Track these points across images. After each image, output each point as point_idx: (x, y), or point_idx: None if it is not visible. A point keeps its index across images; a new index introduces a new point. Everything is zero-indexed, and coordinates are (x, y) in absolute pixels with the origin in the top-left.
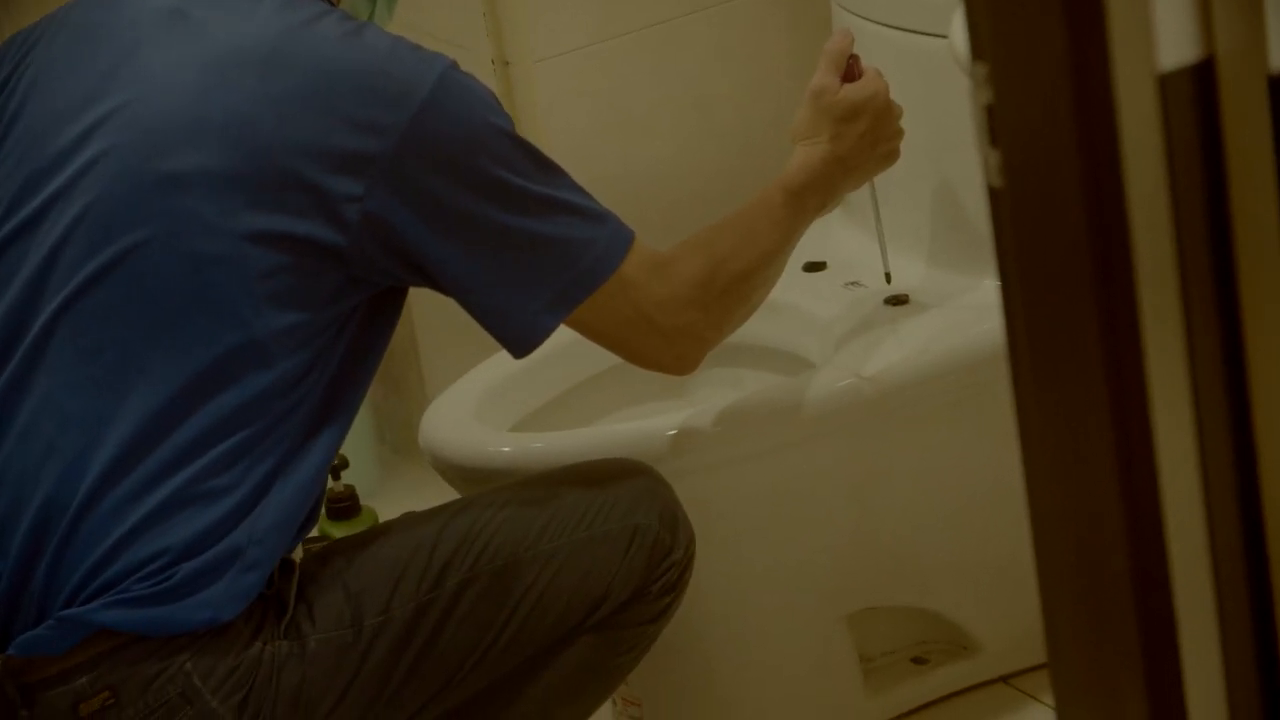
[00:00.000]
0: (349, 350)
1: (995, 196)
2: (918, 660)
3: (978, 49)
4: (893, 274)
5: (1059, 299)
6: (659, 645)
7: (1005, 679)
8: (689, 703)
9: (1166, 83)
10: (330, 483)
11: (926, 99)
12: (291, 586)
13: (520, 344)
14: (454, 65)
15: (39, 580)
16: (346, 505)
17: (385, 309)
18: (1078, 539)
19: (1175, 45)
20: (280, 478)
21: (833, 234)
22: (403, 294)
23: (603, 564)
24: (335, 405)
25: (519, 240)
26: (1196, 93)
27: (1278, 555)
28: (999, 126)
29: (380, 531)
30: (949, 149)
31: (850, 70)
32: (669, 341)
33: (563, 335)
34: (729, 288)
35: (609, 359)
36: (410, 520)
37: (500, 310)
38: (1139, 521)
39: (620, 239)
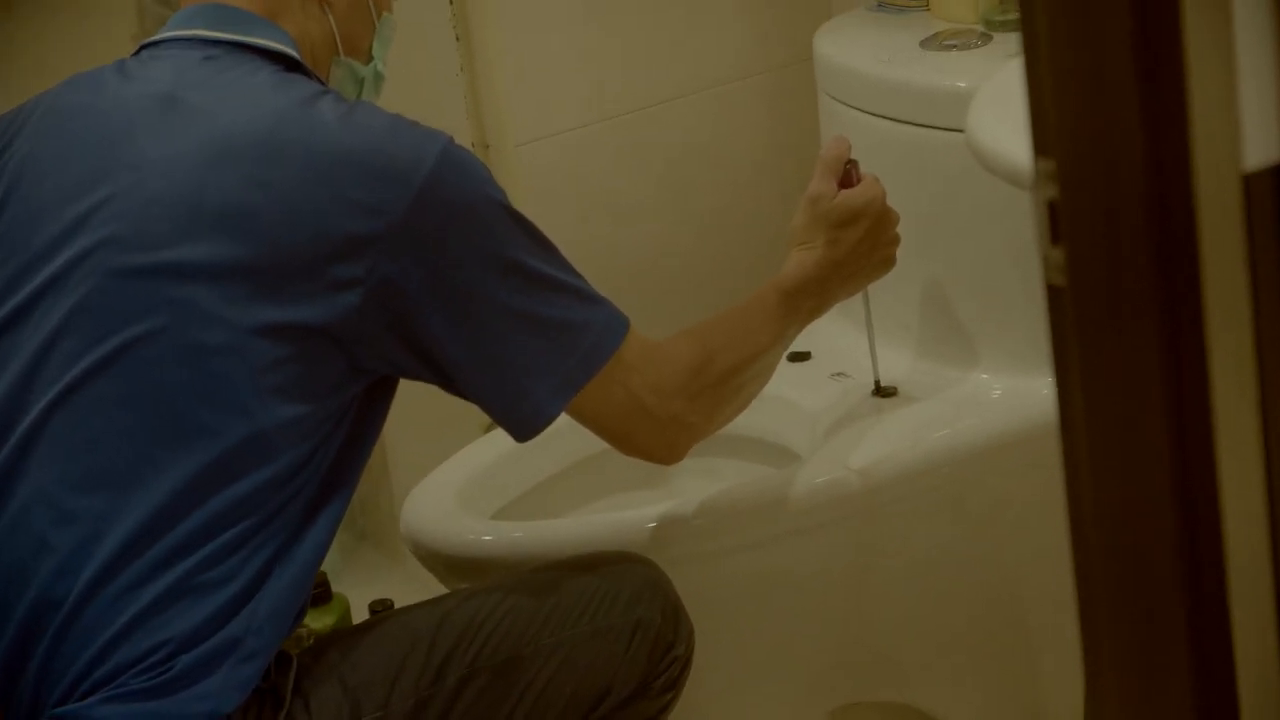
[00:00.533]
0: (346, 439)
1: (1055, 295)
2: None
3: (1042, 145)
4: (881, 363)
5: (1127, 406)
6: None
7: None
8: None
9: (1250, 182)
10: None
11: (914, 189)
12: (288, 680)
13: (524, 429)
14: (452, 140)
15: (30, 678)
16: (319, 591)
17: (381, 395)
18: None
19: (1260, 144)
20: (278, 566)
21: (818, 325)
22: (396, 379)
23: (605, 659)
24: (331, 493)
25: (522, 320)
26: None
27: None
28: (1063, 224)
29: (377, 624)
30: (937, 240)
31: (848, 176)
32: (660, 429)
33: None
34: (722, 379)
35: (589, 448)
36: (408, 613)
37: (504, 394)
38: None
39: (617, 322)
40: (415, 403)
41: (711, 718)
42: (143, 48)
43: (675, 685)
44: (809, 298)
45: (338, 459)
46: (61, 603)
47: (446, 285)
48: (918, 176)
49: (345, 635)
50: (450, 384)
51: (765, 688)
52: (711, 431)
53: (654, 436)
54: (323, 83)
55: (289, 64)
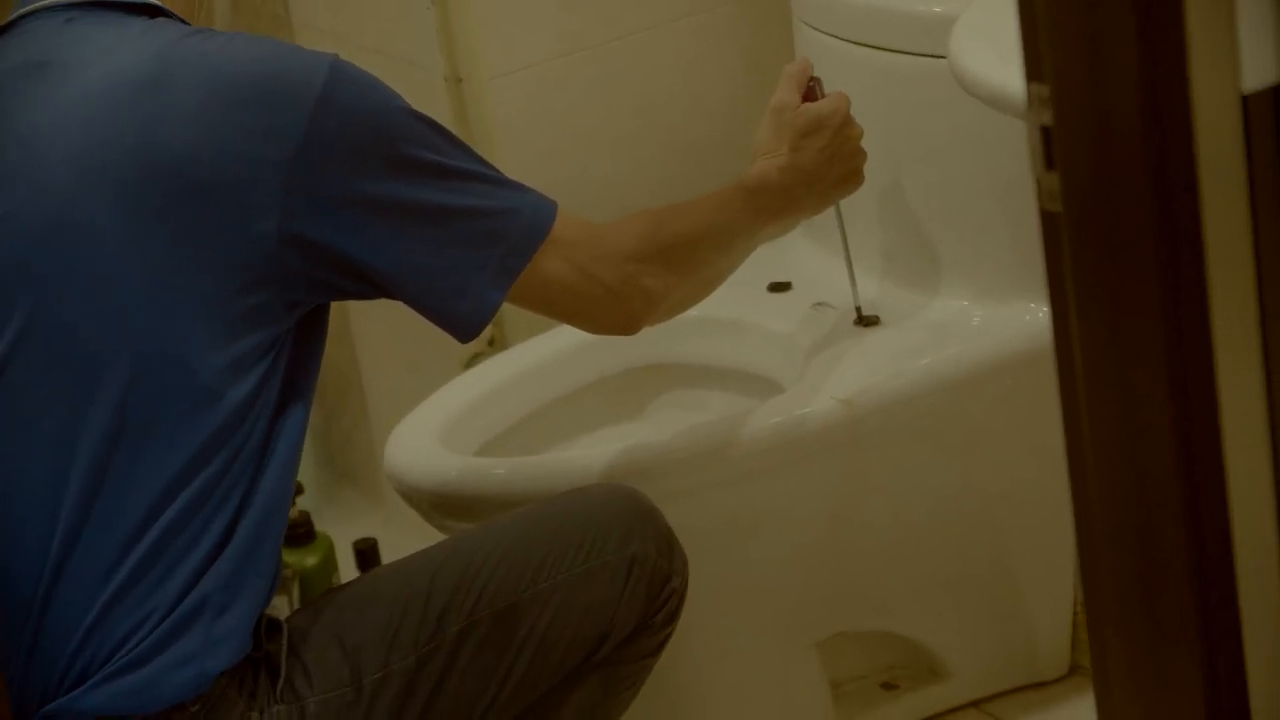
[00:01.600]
0: (286, 373)
1: (1050, 221)
2: (888, 686)
3: (1034, 70)
4: (862, 292)
5: (1124, 327)
6: None
7: (976, 704)
8: None
9: (1250, 103)
10: None
11: (892, 116)
12: (281, 646)
13: (467, 327)
14: (338, 57)
15: (14, 681)
16: (302, 531)
17: (317, 319)
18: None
19: (1258, 64)
20: (241, 514)
21: (797, 254)
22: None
23: (603, 598)
24: (281, 431)
25: (444, 217)
26: None
27: None
28: (1057, 149)
29: (370, 581)
30: (914, 167)
31: (811, 92)
32: (615, 298)
33: (521, 360)
34: (674, 242)
35: (572, 383)
36: (401, 567)
37: (441, 296)
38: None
39: (545, 204)
40: (392, 339)
41: (698, 651)
42: None
43: (675, 618)
44: (771, 197)
45: (281, 394)
46: (30, 601)
47: (362, 199)
48: (896, 103)
49: (338, 595)
50: (386, 294)
51: (751, 620)
52: (674, 301)
53: (610, 308)
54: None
55: (153, 13)
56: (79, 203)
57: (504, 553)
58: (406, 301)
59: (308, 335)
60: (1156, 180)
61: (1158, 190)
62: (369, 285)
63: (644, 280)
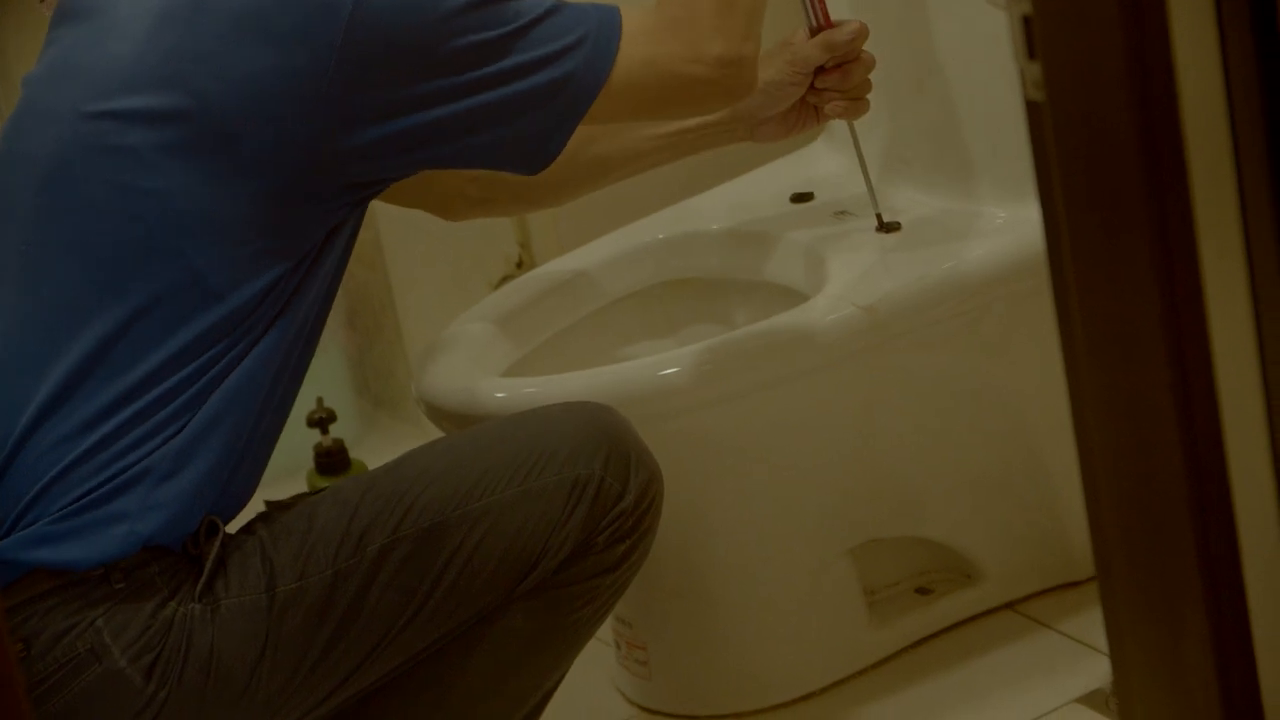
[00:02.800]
0: (302, 281)
1: (1034, 110)
2: (922, 591)
3: None
4: (881, 200)
5: (1107, 213)
6: (661, 586)
7: (1011, 605)
8: (694, 642)
9: None
10: (319, 436)
11: (907, 23)
12: (213, 549)
13: (534, 166)
14: None
15: None
16: (337, 459)
17: (340, 235)
18: (1129, 461)
19: None
20: (207, 397)
21: (819, 164)
22: (361, 212)
23: (538, 520)
24: (280, 340)
25: (506, 79)
26: None
27: None
28: (1038, 38)
29: (314, 498)
30: (934, 70)
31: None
32: (711, 84)
33: (548, 280)
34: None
35: (599, 299)
36: (342, 484)
37: (507, 147)
38: (1196, 444)
39: (609, 32)
40: (425, 265)
41: (727, 563)
42: None
43: (629, 535)
44: None
45: (287, 303)
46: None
47: (414, 98)
48: (909, 10)
49: (279, 508)
50: (453, 166)
51: (783, 529)
52: (756, 47)
53: (711, 88)
54: None
55: None
56: (119, 115)
57: (440, 471)
58: (465, 166)
59: (328, 245)
60: (1134, 64)
61: (1136, 74)
62: (425, 164)
63: (733, 51)
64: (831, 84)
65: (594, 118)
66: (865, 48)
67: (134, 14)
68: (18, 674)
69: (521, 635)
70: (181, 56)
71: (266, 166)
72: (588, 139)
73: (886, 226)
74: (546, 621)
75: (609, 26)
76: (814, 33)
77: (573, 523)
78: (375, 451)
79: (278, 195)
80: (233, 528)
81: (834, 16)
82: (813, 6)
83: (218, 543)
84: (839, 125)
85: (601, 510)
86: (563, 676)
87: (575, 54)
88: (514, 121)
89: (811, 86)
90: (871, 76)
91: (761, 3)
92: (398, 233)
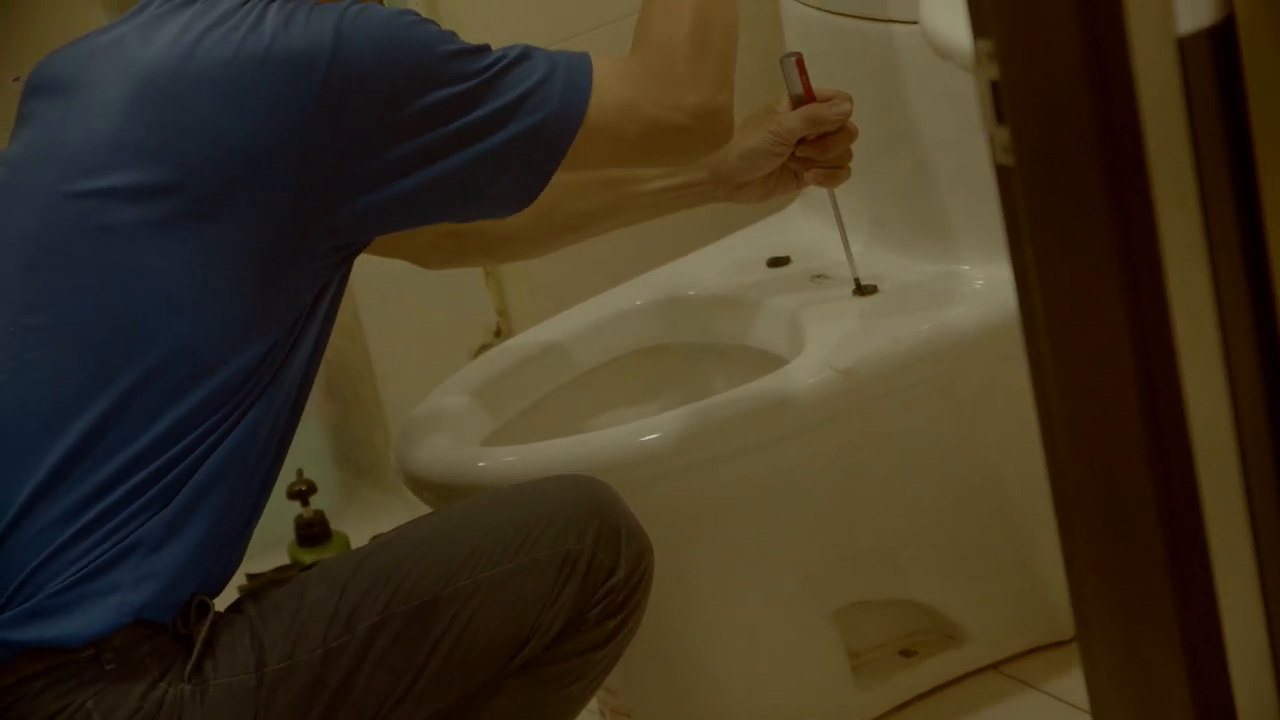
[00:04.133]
0: (290, 349)
1: (1004, 174)
2: (906, 653)
3: (980, 26)
4: (859, 263)
5: (1079, 276)
6: (645, 652)
7: (996, 666)
8: (679, 709)
9: (1185, 46)
10: (300, 508)
11: (880, 85)
12: (203, 629)
13: (511, 210)
14: (353, 3)
15: None
16: (318, 530)
17: (325, 297)
18: (1095, 457)
19: (1192, 7)
20: (198, 467)
21: (795, 228)
22: (345, 274)
23: (529, 597)
24: (267, 404)
25: (479, 137)
26: (1216, 55)
27: None
28: (1006, 103)
29: (304, 575)
30: (907, 134)
31: (799, 72)
32: (688, 132)
33: (528, 348)
34: (704, 43)
35: (578, 366)
36: (332, 561)
37: (487, 197)
38: (1162, 441)
39: (579, 74)
40: (403, 333)
41: (710, 627)
42: None
43: (620, 610)
44: None
45: (276, 373)
46: None
47: (388, 155)
48: (884, 73)
49: (269, 587)
50: (432, 222)
51: (766, 593)
52: (731, 94)
53: (689, 138)
54: None
55: None
56: (104, 194)
57: (430, 547)
58: (451, 220)
59: (318, 306)
60: (1102, 128)
61: (1104, 138)
62: (409, 227)
63: (709, 98)
64: (812, 154)
65: (574, 162)
66: None
67: (111, 88)
68: None
69: (512, 713)
70: (164, 129)
71: (255, 233)
72: (568, 192)
73: (863, 289)
74: (537, 699)
75: (578, 70)
76: (796, 101)
77: (564, 599)
78: (356, 522)
79: (267, 261)
80: (220, 602)
81: (811, 77)
82: (798, 76)
83: (208, 622)
84: (817, 189)
85: (593, 586)
86: None
87: (548, 96)
88: (496, 173)
89: (793, 154)
90: None
91: (734, 49)
92: (375, 302)
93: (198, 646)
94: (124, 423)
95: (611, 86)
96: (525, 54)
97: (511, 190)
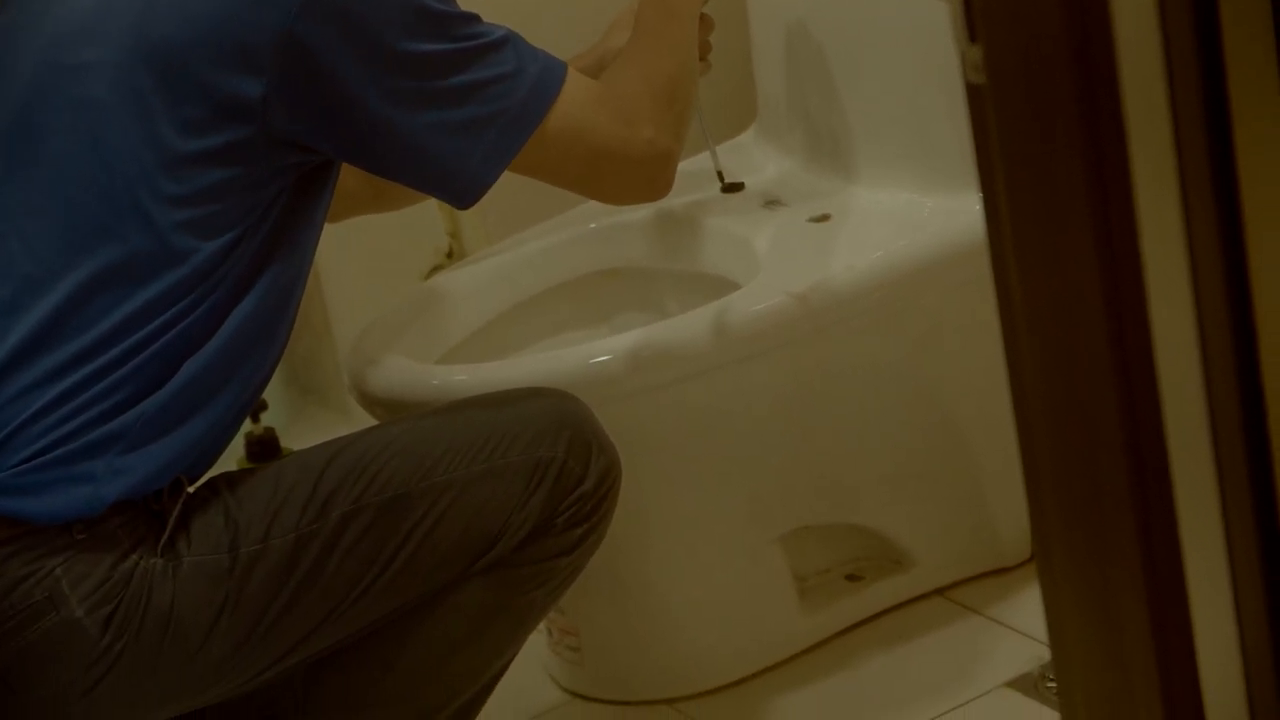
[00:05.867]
0: (267, 240)
1: (975, 93)
2: (852, 577)
3: None
4: (813, 193)
5: (1048, 197)
6: (593, 574)
7: (941, 591)
8: (626, 629)
9: None
10: (250, 425)
11: (835, 12)
12: (176, 506)
13: (460, 199)
14: None
15: None
16: (268, 447)
17: (312, 188)
18: (1065, 401)
19: None
20: (180, 366)
21: (750, 155)
22: (331, 170)
23: (500, 499)
24: (249, 292)
25: (442, 100)
26: None
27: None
28: (979, 21)
29: (278, 464)
30: (859, 64)
31: None
32: (636, 168)
33: (480, 270)
34: (671, 95)
35: (532, 288)
36: (306, 451)
37: (434, 172)
38: (1130, 386)
39: (550, 79)
40: (353, 254)
41: (659, 550)
42: None
43: (587, 519)
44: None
45: (254, 264)
46: None
47: (350, 83)
48: (844, 1)
49: (243, 472)
50: (377, 173)
51: (714, 516)
52: (680, 149)
53: (631, 178)
54: None
55: None
56: (85, 67)
57: (406, 444)
58: (392, 178)
59: (298, 204)
60: (1074, 45)
61: (1076, 55)
62: (356, 160)
63: (662, 143)
64: None
65: (520, 165)
66: (798, 31)
67: None
68: None
69: (474, 612)
70: (147, 6)
71: (227, 119)
72: None
73: (817, 218)
74: (500, 600)
75: (550, 75)
76: None
77: (533, 503)
78: (304, 439)
79: (235, 150)
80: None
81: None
82: None
83: (181, 500)
84: (769, 115)
85: (562, 492)
86: (509, 662)
87: (514, 89)
88: (442, 146)
89: None
90: (804, 65)
91: (689, 118)
92: (327, 226)
93: (171, 522)
94: (93, 299)
95: (576, 102)
96: (506, 39)
97: (463, 169)
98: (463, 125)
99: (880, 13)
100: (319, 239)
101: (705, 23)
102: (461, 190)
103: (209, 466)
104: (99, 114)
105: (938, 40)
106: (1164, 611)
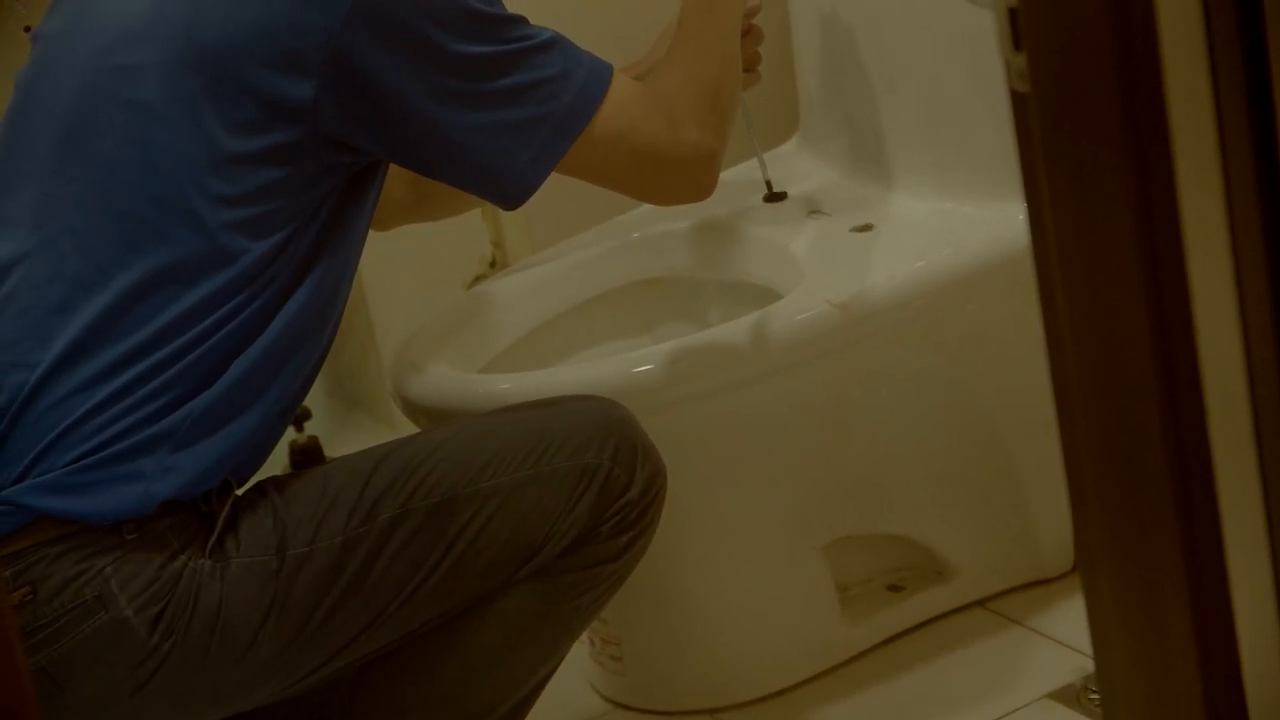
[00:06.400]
0: (316, 241)
1: (1019, 101)
2: (894, 588)
3: None
4: (856, 203)
5: (1093, 204)
6: (635, 583)
7: (982, 603)
8: (668, 640)
9: None
10: (294, 433)
11: (877, 24)
12: (224, 507)
13: (508, 199)
14: None
15: None
16: (312, 456)
17: (359, 189)
18: (1109, 394)
19: None
20: (229, 364)
21: (792, 165)
22: (378, 170)
23: (546, 505)
24: (299, 294)
25: (490, 102)
26: None
27: None
28: (1024, 29)
29: (324, 467)
30: (901, 74)
31: None
32: (681, 168)
33: (523, 279)
34: (715, 96)
35: (575, 297)
36: (354, 456)
37: (482, 173)
38: (1173, 379)
39: (596, 81)
40: (398, 263)
41: (701, 559)
42: None
43: (633, 527)
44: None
45: (302, 265)
46: (15, 396)
47: (399, 83)
48: (885, 10)
49: (291, 475)
50: (425, 174)
51: (756, 526)
52: (724, 151)
53: (676, 179)
54: None
55: None
56: (136, 69)
57: (454, 449)
58: (442, 180)
59: (346, 204)
60: (1119, 54)
61: (1121, 64)
62: (405, 161)
63: (707, 144)
64: None
65: (564, 166)
66: (842, 40)
67: None
68: (11, 618)
69: (519, 618)
70: (199, 9)
71: (277, 121)
72: None
73: (860, 227)
74: (545, 606)
75: (598, 76)
76: None
77: (579, 510)
78: (348, 448)
79: (286, 151)
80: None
81: (809, 17)
82: None
83: (230, 501)
84: (812, 124)
85: (608, 500)
86: (554, 669)
87: (563, 90)
88: (489, 145)
89: None
90: (846, 75)
91: (734, 118)
92: (371, 234)
93: (220, 524)
94: (144, 298)
95: (621, 104)
96: (554, 41)
97: (511, 168)
98: (511, 126)
99: (922, 21)
100: (365, 239)
101: (755, 34)
102: (509, 191)
103: (257, 467)
104: (150, 116)
105: (980, 48)
106: (1208, 621)
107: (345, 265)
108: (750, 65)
